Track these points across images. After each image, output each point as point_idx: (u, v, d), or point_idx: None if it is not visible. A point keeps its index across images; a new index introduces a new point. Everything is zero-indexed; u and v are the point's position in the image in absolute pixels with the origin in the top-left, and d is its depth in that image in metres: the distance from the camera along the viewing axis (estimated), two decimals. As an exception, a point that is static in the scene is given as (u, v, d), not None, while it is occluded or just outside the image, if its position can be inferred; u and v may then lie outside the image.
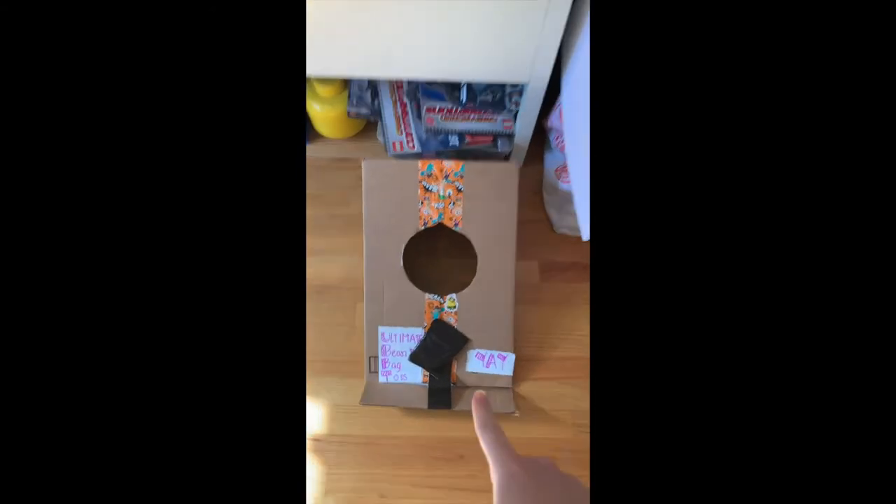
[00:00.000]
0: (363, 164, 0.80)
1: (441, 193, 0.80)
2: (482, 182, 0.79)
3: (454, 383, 0.83)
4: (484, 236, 0.81)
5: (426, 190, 0.80)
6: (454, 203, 0.80)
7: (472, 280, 0.82)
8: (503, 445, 0.32)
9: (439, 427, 0.82)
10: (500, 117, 0.91)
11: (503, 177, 0.79)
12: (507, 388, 0.83)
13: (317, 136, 1.04)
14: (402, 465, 0.80)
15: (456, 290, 0.82)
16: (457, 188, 0.80)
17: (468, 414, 0.81)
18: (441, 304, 0.82)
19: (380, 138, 0.99)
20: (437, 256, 0.93)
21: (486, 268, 0.81)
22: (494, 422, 0.35)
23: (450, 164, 0.79)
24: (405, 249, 0.81)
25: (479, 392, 0.41)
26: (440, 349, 0.82)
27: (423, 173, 0.80)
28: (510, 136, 0.92)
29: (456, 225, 0.81)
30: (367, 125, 1.06)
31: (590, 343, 0.52)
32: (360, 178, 0.80)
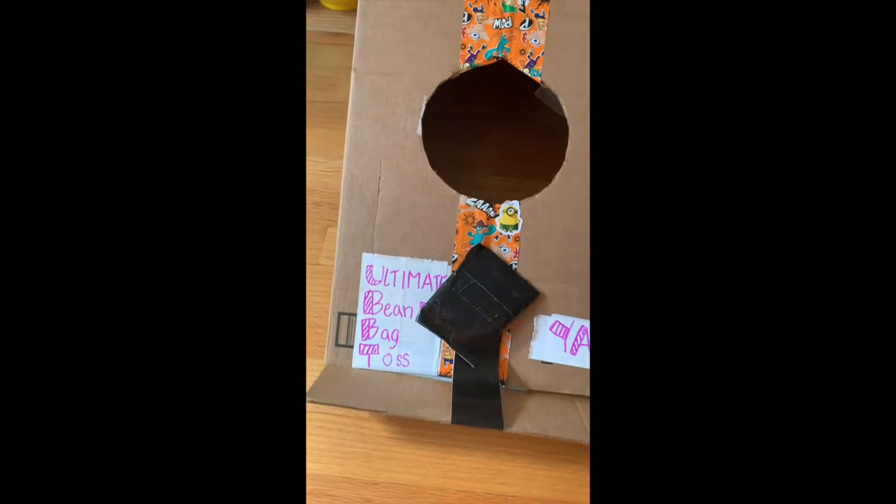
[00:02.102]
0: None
1: (507, 1, 0.41)
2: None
3: (503, 382, 0.42)
4: (582, 90, 0.40)
5: (475, 8, 0.41)
6: (530, 23, 0.41)
7: (551, 180, 0.41)
8: None
9: (472, 470, 0.43)
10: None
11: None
12: (579, 395, 0.42)
13: (313, 2, 0.72)
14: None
15: (520, 196, 0.42)
16: (538, -7, 0.41)
17: (534, 444, 0.42)
18: (490, 216, 0.42)
19: None
20: (485, 134, 0.56)
21: (580, 153, 0.41)
22: None
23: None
24: (428, 117, 0.41)
25: None
26: (483, 304, 0.41)
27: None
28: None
29: (531, 64, 0.41)
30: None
31: (590, 353, 0.34)
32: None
